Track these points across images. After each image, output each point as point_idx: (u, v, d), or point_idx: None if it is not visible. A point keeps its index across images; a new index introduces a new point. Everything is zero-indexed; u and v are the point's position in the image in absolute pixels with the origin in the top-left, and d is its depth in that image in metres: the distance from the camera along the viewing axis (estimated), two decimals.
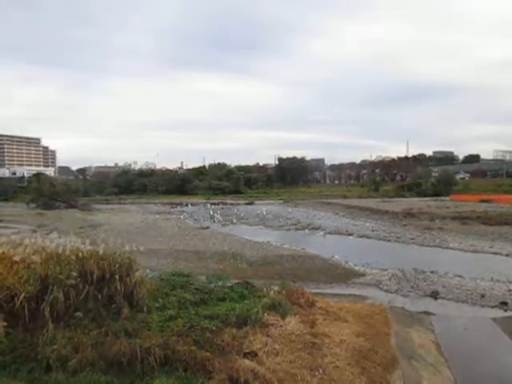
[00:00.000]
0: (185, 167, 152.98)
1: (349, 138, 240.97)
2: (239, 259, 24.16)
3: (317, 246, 29.95)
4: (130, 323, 9.79)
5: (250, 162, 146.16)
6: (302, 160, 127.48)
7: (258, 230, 41.22)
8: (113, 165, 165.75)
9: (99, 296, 10.07)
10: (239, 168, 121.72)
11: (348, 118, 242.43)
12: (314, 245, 30.51)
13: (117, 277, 10.74)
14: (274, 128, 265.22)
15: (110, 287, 10.54)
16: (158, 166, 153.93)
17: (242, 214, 52.77)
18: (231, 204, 74.81)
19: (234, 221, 46.85)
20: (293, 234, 38.01)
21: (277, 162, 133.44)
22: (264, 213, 53.31)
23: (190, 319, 10.22)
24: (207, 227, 40.23)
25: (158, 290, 12.41)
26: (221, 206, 69.14)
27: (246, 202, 77.96)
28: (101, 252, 11.18)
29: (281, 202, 75.88)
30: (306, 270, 21.61)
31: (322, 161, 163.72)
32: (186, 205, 71.13)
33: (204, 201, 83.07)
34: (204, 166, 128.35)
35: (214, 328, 9.77)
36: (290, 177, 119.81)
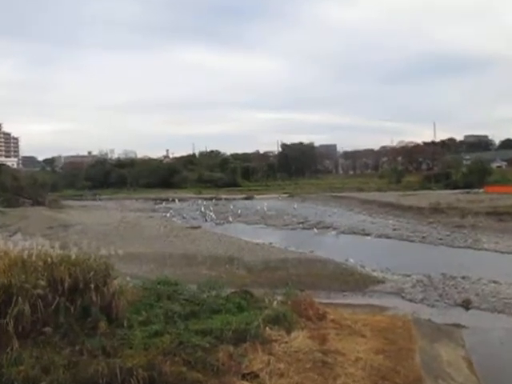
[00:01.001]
0: (171, 156, 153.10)
1: (365, 119, 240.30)
2: (236, 264, 24.25)
3: (328, 247, 30.08)
4: (109, 340, 9.81)
5: (249, 150, 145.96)
6: (310, 146, 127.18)
7: (259, 229, 41.30)
8: (86, 154, 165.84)
9: (72, 308, 10.14)
10: (236, 156, 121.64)
11: (365, 96, 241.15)
12: (325, 246, 30.64)
13: (92, 286, 10.75)
14: (277, 108, 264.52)
15: (85, 298, 10.53)
16: (140, 155, 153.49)
17: (239, 211, 52.87)
18: (226, 199, 74.91)
19: (230, 219, 46.95)
20: (299, 234, 38.11)
21: (280, 149, 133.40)
22: (265, 209, 53.40)
23: (178, 335, 10.23)
24: (198, 227, 40.32)
25: (141, 301, 12.45)
26: (214, 201, 69.16)
27: (243, 196, 78.07)
28: (73, 257, 11.15)
29: (285, 196, 75.96)
30: (316, 277, 21.68)
31: (333, 147, 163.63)
32: (173, 200, 71.15)
33: (194, 195, 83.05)
34: (194, 155, 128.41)
35: (207, 345, 9.78)
36: (296, 166, 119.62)
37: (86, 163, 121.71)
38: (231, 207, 57.51)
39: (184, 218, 50.07)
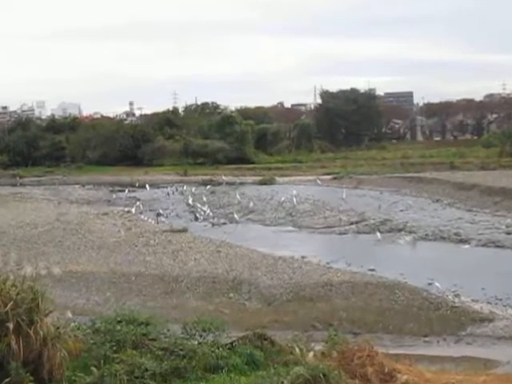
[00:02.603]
0: (138, 113, 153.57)
1: (461, 51, 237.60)
2: (247, 292, 24.43)
3: (399, 263, 30.11)
4: None
5: (267, 102, 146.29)
6: (370, 95, 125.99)
7: (284, 233, 41.38)
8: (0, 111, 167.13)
9: None
10: (245, 113, 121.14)
11: (455, 12, 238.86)
12: (394, 262, 30.70)
13: (10, 326, 10.85)
14: (309, 32, 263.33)
15: None
16: (87, 112, 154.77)
17: (250, 204, 52.97)
18: (230, 183, 74.96)
19: (236, 216, 47.07)
20: (352, 242, 38.19)
21: (319, 101, 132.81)
22: (294, 200, 53.46)
23: None
24: (184, 230, 40.51)
25: (91, 352, 12.54)
26: (210, 187, 69.38)
27: (258, 179, 78.03)
28: None
29: (327, 178, 75.84)
30: (379, 312, 21.75)
31: (407, 97, 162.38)
32: (142, 187, 71.50)
33: (177, 178, 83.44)
34: (175, 111, 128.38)
35: None
36: (346, 129, 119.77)
37: (0, 125, 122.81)
38: (238, 197, 57.56)
39: (160, 214, 50.17)
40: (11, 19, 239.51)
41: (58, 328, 11.97)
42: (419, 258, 32.91)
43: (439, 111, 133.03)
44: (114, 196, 65.09)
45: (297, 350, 13.58)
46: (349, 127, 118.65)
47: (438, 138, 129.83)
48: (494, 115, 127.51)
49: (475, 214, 45.02)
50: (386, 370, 13.17)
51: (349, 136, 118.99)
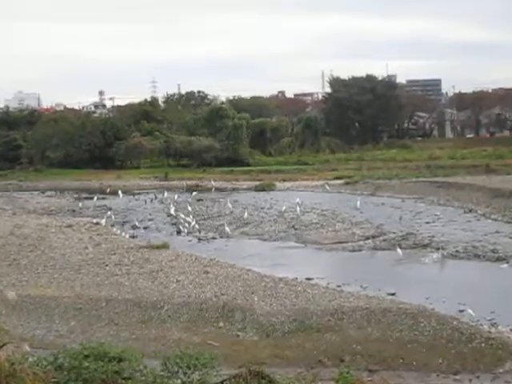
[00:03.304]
0: (109, 104, 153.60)
1: (496, 32, 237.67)
2: (240, 321, 24.48)
3: (423, 286, 30.18)
4: None
5: (263, 92, 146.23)
6: (389, 84, 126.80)
7: (285, 250, 41.36)
8: None
9: None
10: (239, 104, 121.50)
11: None
12: (418, 285, 30.82)
13: None
14: (316, 8, 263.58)
15: None
16: (47, 103, 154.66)
17: (245, 214, 53.00)
18: (220, 190, 75.10)
19: (227, 229, 47.13)
20: (367, 261, 38.26)
21: (327, 91, 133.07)
22: (298, 210, 53.65)
23: None
24: (164, 245, 40.49)
25: None
26: (195, 194, 69.39)
27: (255, 184, 78.05)
28: None
29: (338, 182, 75.90)
30: (399, 344, 21.84)
31: (435, 86, 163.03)
32: (114, 193, 71.44)
33: (156, 183, 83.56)
34: (155, 101, 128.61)
35: None
36: (361, 124, 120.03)
37: None
38: (230, 206, 57.68)
39: (136, 227, 50.21)
40: None
41: (13, 364, 12.01)
42: (448, 279, 32.92)
43: (472, 103, 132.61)
44: (80, 205, 64.90)
45: None
46: (364, 122, 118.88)
47: (470, 135, 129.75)
48: None
49: None
50: None
51: (364, 132, 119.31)
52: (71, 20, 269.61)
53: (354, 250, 40.20)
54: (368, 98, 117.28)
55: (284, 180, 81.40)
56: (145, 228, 50.80)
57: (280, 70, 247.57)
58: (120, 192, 70.22)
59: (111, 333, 22.94)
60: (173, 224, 51.62)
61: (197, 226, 48.87)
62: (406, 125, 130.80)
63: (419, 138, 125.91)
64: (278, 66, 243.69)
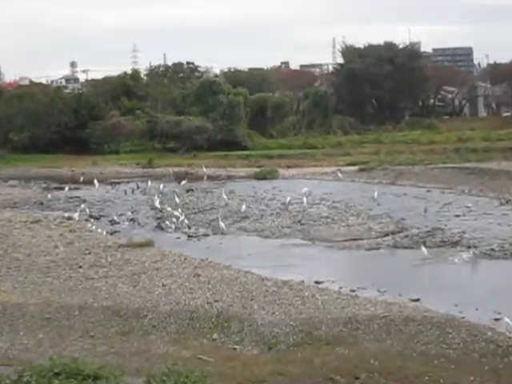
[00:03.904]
0: (83, 77, 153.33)
1: None
2: (237, 331, 24.50)
3: (452, 291, 30.21)
4: None
5: (263, 62, 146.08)
6: (412, 53, 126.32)
7: (289, 248, 41.45)
8: None
9: None
10: (234, 77, 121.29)
11: None
12: (445, 289, 30.81)
13: None
14: None
15: None
16: (9, 77, 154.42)
17: (242, 207, 52.93)
18: (213, 178, 75.26)
19: (222, 224, 47.04)
20: (386, 261, 38.35)
21: (338, 61, 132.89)
22: (305, 202, 53.84)
23: None
24: (148, 243, 40.51)
25: None
26: (184, 183, 69.27)
27: (254, 171, 77.89)
28: None
29: (352, 169, 75.79)
30: (424, 359, 21.80)
31: (466, 55, 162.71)
32: (90, 183, 71.31)
33: (138, 171, 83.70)
34: (136, 73, 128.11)
35: None
36: (379, 100, 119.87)
37: None
38: (225, 197, 57.58)
39: (115, 222, 50.22)
40: None
41: None
42: (482, 283, 32.93)
43: (510, 75, 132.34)
44: (50, 196, 64.93)
45: None
46: (382, 98, 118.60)
47: (507, 113, 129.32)
48: None
49: None
50: None
51: (382, 110, 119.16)
52: None
53: (370, 249, 40.18)
54: (387, 69, 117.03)
55: (288, 166, 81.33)
56: (125, 223, 50.80)
57: (283, 38, 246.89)
58: (96, 181, 70.12)
59: (86, 346, 22.93)
60: (158, 218, 51.57)
61: (186, 221, 48.81)
62: (431, 101, 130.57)
63: (447, 117, 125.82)
64: (281, 33, 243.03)
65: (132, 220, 51.96)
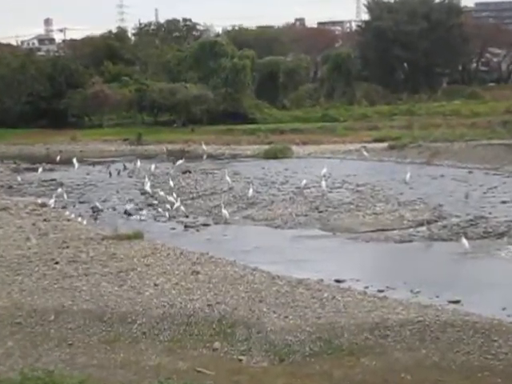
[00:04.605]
0: (59, 38, 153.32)
1: None
2: (243, 339, 24.45)
3: (499, 291, 30.15)
4: None
5: (274, 19, 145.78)
6: (450, 8, 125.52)
7: (305, 241, 41.54)
8: None
9: None
10: (239, 37, 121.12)
11: None
12: (490, 289, 30.72)
13: None
14: None
15: None
16: None
17: (249, 191, 52.91)
18: (215, 157, 75.54)
19: (225, 212, 47.06)
20: (419, 255, 38.34)
21: (364, 18, 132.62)
22: (324, 185, 53.89)
23: None
24: (137, 235, 40.50)
25: None
26: (180, 163, 69.24)
27: (263, 148, 77.86)
28: None
29: (379, 146, 75.66)
30: (465, 372, 21.66)
31: None
32: (68, 163, 71.35)
33: (125, 146, 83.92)
34: (122, 33, 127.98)
35: None
36: (411, 64, 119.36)
37: None
38: (228, 180, 57.64)
39: (97, 210, 50.28)
40: None
41: None
42: None
43: None
44: (20, 179, 65.15)
45: None
46: (415, 61, 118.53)
47: None
48: None
49: None
50: None
51: (415, 76, 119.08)
52: None
53: (401, 241, 40.17)
54: (421, 27, 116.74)
55: (304, 143, 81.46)
56: (109, 210, 50.86)
57: None
58: (75, 161, 70.28)
59: (63, 357, 22.92)
60: (149, 205, 51.74)
61: (182, 208, 48.87)
62: (473, 65, 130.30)
63: (492, 84, 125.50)
64: None
65: (117, 207, 52.02)
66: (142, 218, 48.24)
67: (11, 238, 39.73)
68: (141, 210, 50.65)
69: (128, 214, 49.38)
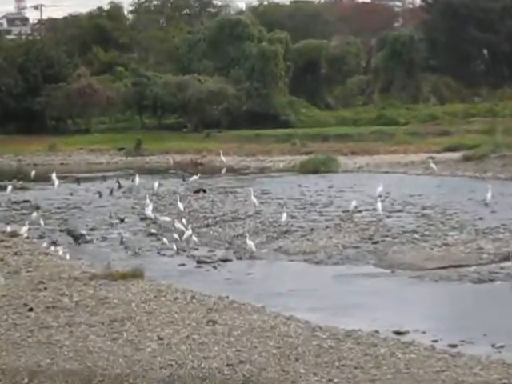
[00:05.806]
0: (35, 17, 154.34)
1: None
2: None
3: None
4: None
5: None
6: None
7: (355, 280, 41.68)
8: None
9: None
10: (269, 16, 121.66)
11: None
12: None
13: None
14: None
15: None
16: None
17: (282, 216, 53.01)
18: (236, 171, 75.71)
19: (251, 244, 47.11)
20: (504, 298, 37.98)
21: None
22: (379, 208, 53.98)
23: None
24: (136, 272, 40.59)
25: None
26: (193, 179, 69.52)
27: (299, 160, 78.06)
28: None
29: (451, 156, 75.70)
30: None
31: None
32: (45, 180, 71.68)
33: (119, 158, 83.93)
34: (116, 10, 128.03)
35: None
36: (493, 52, 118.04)
37: None
38: (254, 201, 57.79)
39: (83, 240, 50.49)
40: None
41: None
42: None
43: None
44: None
45: None
46: (497, 46, 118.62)
47: None
48: None
49: None
50: None
51: (498, 65, 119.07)
52: None
53: (480, 281, 40.17)
54: (504, 3, 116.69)
55: (353, 153, 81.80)
56: (98, 241, 51.06)
57: None
58: (55, 177, 70.62)
59: None
60: (151, 234, 51.86)
61: (195, 239, 49.02)
62: None
63: None
64: None
65: (110, 236, 52.25)
66: (142, 250, 48.38)
67: None
68: (141, 240, 50.83)
69: (124, 245, 49.59)
